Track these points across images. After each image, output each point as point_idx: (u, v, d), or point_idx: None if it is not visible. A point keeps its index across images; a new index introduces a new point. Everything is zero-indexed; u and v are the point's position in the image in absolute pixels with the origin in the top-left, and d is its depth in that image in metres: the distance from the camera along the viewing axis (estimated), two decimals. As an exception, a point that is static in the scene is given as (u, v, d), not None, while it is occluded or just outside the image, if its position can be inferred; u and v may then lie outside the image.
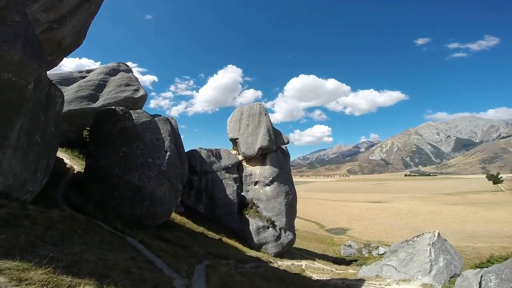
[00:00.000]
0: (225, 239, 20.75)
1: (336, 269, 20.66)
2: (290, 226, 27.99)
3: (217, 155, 27.96)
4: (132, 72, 35.56)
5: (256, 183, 28.88)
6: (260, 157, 29.83)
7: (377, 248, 40.05)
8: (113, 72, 31.92)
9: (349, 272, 19.19)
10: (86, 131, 20.59)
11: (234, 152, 31.27)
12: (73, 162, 18.91)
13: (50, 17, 13.71)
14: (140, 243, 11.81)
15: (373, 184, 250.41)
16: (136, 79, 31.33)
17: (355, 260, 32.77)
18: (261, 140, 29.32)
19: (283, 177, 29.39)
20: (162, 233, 14.84)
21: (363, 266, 19.04)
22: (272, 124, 31.37)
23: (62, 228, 8.76)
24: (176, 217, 20.15)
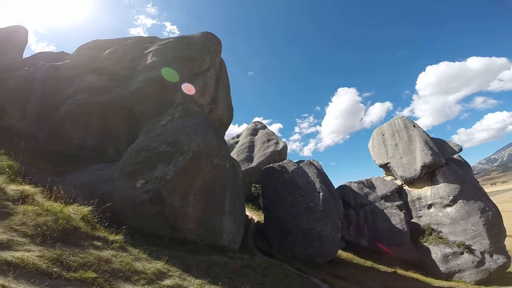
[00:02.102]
0: (400, 271, 19.74)
1: None
2: (498, 248, 22.64)
3: (370, 185, 27.48)
4: (267, 127, 43.64)
5: (430, 206, 25.41)
6: (425, 176, 26.36)
7: None
8: (254, 132, 40.74)
9: None
10: (253, 187, 26.88)
11: (388, 178, 29.42)
12: (252, 214, 24.94)
13: (207, 99, 20.59)
14: (322, 282, 13.79)
15: None
16: (273, 133, 38.18)
17: None
18: (421, 157, 26.30)
19: (469, 193, 24.21)
20: (334, 270, 16.42)
21: None
22: (428, 135, 27.66)
23: (269, 274, 12.16)
24: (342, 253, 21.20)
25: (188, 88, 16.78)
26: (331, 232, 17.52)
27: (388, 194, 26.31)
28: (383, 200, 25.48)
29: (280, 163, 23.63)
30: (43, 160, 11.97)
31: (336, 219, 18.84)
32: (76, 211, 7.92)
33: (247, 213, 25.14)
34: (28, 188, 7.56)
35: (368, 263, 19.85)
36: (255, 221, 23.06)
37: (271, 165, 20.35)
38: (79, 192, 9.47)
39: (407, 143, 28.25)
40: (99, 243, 7.46)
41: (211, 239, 12.92)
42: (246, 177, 29.79)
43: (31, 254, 5.39)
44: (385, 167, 29.89)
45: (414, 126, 28.70)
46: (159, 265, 8.08)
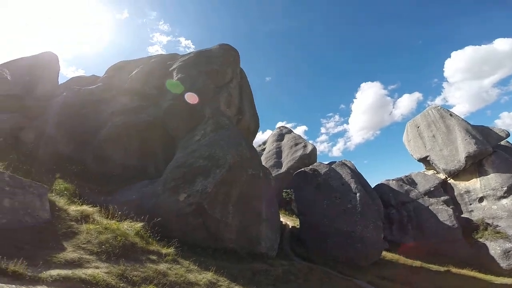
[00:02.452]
0: (454, 270, 18.42)
1: None
2: None
3: (410, 181, 26.13)
4: (292, 131, 43.34)
5: (481, 199, 23.53)
6: (472, 167, 24.53)
7: None
8: (280, 137, 40.64)
9: None
10: (284, 192, 26.76)
11: (430, 172, 27.77)
12: (285, 219, 24.76)
13: (233, 110, 20.94)
14: (369, 284, 13.35)
15: None
16: (299, 136, 37.82)
17: None
18: (463, 147, 24.60)
19: (525, 182, 22.07)
20: (380, 272, 15.82)
21: None
22: (468, 123, 25.86)
23: (312, 279, 12.11)
24: (386, 254, 20.31)
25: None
26: (373, 233, 16.90)
27: (432, 189, 24.79)
28: (426, 196, 24.05)
29: (311, 166, 23.33)
30: (93, 181, 12.93)
31: (377, 220, 18.14)
32: (130, 227, 8.46)
33: (281, 219, 25.04)
34: (86, 208, 8.23)
35: (417, 263, 18.82)
36: (290, 227, 22.84)
37: (302, 169, 20.16)
38: (128, 209, 10.08)
39: (445, 133, 26.57)
40: (154, 257, 7.90)
41: (250, 247, 13.17)
42: (276, 183, 29.73)
43: (100, 271, 5.86)
44: (425, 161, 28.25)
45: (450, 115, 26.97)
46: (209, 275, 8.40)
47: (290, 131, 41.07)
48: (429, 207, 23.05)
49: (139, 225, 8.86)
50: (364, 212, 18.48)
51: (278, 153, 33.89)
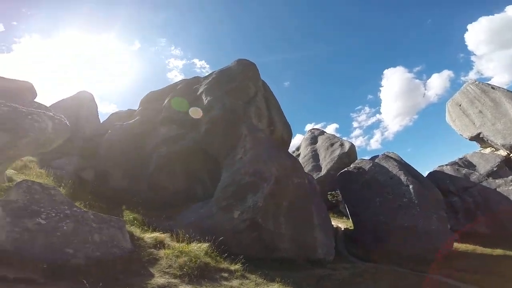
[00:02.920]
0: None
1: None
2: None
3: (467, 164, 24.14)
4: (325, 132, 42.59)
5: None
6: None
7: None
8: (313, 140, 40.09)
9: None
10: (329, 195, 26.18)
11: (487, 150, 25.48)
12: (336, 222, 24.12)
13: (264, 123, 21.14)
14: (447, 278, 12.49)
15: None
16: (334, 136, 37.06)
17: None
18: (520, 116, 22.40)
19: None
20: (456, 264, 14.68)
21: None
22: (518, 90, 23.65)
23: (383, 279, 11.71)
24: (458, 245, 18.77)
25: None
26: (438, 224, 15.87)
27: (495, 169, 22.61)
28: (490, 178, 21.98)
29: (353, 164, 22.72)
30: (151, 208, 13.93)
31: (439, 210, 17.02)
32: (199, 248, 8.98)
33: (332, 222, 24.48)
34: (158, 234, 8.94)
35: (498, 251, 17.08)
36: (342, 229, 22.20)
37: (345, 169, 19.69)
38: (190, 231, 10.69)
39: (493, 107, 24.45)
40: (225, 274, 8.30)
41: (307, 254, 13.26)
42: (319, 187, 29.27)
43: (186, 292, 6.32)
44: (478, 138, 26.06)
45: (493, 88, 24.87)
46: (276, 286, 8.57)
47: (322, 132, 40.40)
48: (497, 189, 21.01)
49: (205, 245, 9.36)
50: (422, 204, 17.44)
51: (315, 156, 33.43)
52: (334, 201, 26.28)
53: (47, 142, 7.42)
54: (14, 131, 6.57)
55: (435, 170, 24.89)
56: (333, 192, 26.38)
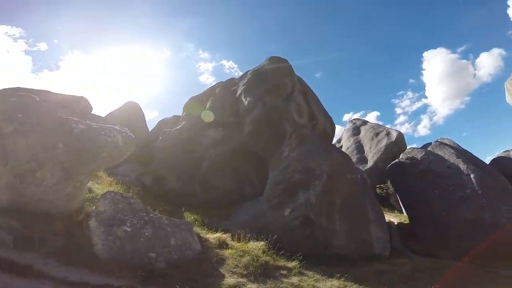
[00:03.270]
0: None
1: None
2: None
3: (542, 147, 21.26)
4: (368, 122, 40.54)
5: None
6: None
7: None
8: (355, 131, 38.47)
9: None
10: (378, 188, 25.09)
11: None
12: (388, 216, 23.12)
13: (306, 118, 20.78)
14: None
15: None
16: (378, 125, 35.16)
17: None
18: None
19: None
20: None
21: None
22: None
23: (449, 274, 11.16)
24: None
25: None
26: (508, 215, 14.45)
27: None
28: None
29: (403, 154, 21.46)
30: (206, 209, 14.98)
31: (509, 200, 15.43)
32: (256, 247, 9.54)
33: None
34: (219, 234, 9.70)
35: None
36: (395, 223, 21.24)
37: (396, 160, 18.70)
38: (244, 229, 11.33)
39: None
40: (284, 272, 8.72)
41: (362, 250, 13.12)
42: (365, 179, 28.23)
43: (255, 292, 6.85)
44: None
45: None
46: (336, 282, 8.78)
47: (365, 122, 38.53)
48: None
49: (261, 244, 9.89)
50: (487, 194, 15.92)
51: (359, 148, 32.15)
52: (383, 194, 25.13)
53: (119, 155, 8.43)
54: (93, 148, 7.60)
55: (499, 156, 22.43)
56: (382, 185, 25.22)
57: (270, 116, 17.61)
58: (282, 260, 9.49)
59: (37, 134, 6.84)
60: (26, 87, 8.73)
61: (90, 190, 11.04)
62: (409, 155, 18.93)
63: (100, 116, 11.79)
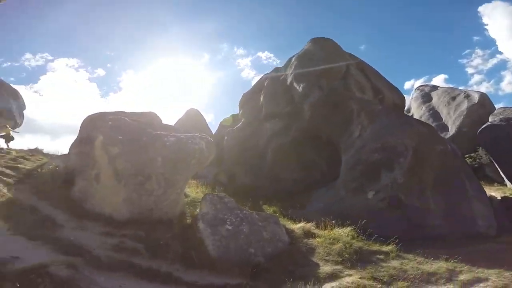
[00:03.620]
0: None
1: None
2: None
3: None
4: (438, 87, 35.54)
5: None
6: None
7: None
8: (425, 98, 34.12)
9: None
10: (468, 157, 21.72)
11: None
12: (486, 190, 20.02)
13: (370, 94, 19.11)
14: None
15: None
16: (452, 88, 30.70)
17: None
18: None
19: None
20: None
21: None
22: None
23: None
24: None
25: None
26: None
27: None
28: None
29: (493, 116, 18.25)
30: (279, 200, 15.29)
31: None
32: (344, 233, 9.33)
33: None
34: (303, 224, 9.78)
35: None
36: (498, 198, 18.28)
37: (487, 123, 15.89)
38: (323, 217, 11.19)
39: None
40: (381, 256, 8.33)
41: (464, 229, 11.77)
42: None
43: (355, 277, 6.72)
44: None
45: None
46: (444, 263, 7.99)
47: (435, 87, 33.83)
48: None
49: (348, 229, 9.62)
50: None
51: (434, 115, 28.39)
52: (475, 165, 21.56)
53: (205, 160, 9.16)
54: (185, 157, 8.41)
55: None
56: (473, 155, 21.73)
57: (329, 99, 16.85)
58: (376, 245, 9.09)
59: (137, 151, 7.87)
60: (107, 111, 10.17)
61: (185, 195, 12.26)
62: (504, 116, 15.93)
63: (171, 126, 12.99)
